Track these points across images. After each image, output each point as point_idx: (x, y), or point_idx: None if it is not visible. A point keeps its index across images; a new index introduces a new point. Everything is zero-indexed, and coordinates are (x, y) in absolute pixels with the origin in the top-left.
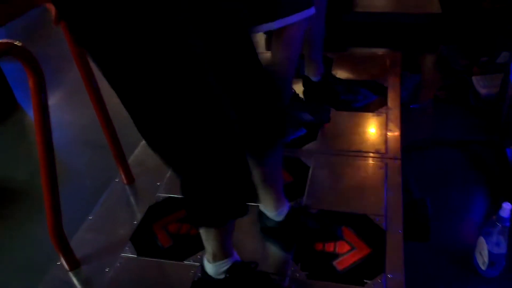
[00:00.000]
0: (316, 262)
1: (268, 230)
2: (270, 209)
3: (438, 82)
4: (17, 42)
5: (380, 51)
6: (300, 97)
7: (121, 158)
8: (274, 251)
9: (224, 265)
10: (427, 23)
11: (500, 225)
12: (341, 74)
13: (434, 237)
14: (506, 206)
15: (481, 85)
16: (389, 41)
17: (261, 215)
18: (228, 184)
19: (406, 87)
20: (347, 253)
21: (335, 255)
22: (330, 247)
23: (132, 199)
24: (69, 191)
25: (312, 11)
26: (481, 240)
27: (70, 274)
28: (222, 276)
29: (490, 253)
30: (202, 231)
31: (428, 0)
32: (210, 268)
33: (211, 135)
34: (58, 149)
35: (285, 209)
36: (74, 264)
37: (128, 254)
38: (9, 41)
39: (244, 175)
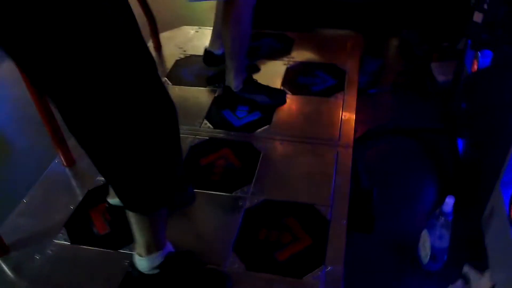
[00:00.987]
0: (257, 252)
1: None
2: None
3: (399, 67)
4: None
5: (342, 33)
6: (254, 79)
7: (60, 138)
8: (213, 239)
9: (158, 259)
10: (390, 4)
11: (443, 219)
12: (301, 55)
13: (380, 228)
14: (449, 200)
15: (439, 72)
16: (353, 23)
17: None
18: (161, 171)
19: (366, 72)
20: (289, 243)
21: (278, 245)
22: (273, 236)
23: (71, 182)
24: (9, 171)
25: None
26: (425, 233)
27: None
28: (156, 271)
29: (432, 246)
30: (135, 222)
31: None
32: (142, 263)
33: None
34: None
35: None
36: (3, 251)
37: (61, 241)
38: None
39: (176, 160)
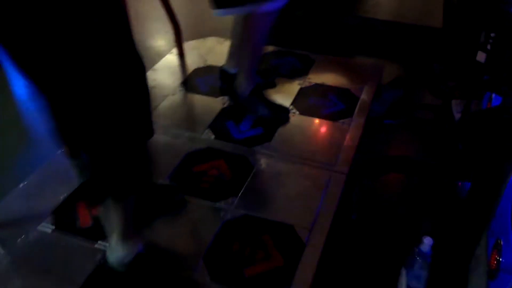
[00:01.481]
0: (226, 265)
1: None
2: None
3: (422, 100)
4: None
5: (364, 60)
6: (262, 92)
7: None
8: (187, 246)
9: (128, 255)
10: (425, 37)
11: (420, 259)
12: (318, 77)
13: (362, 260)
14: (426, 241)
15: (457, 110)
16: (382, 51)
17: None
18: (130, 161)
19: (384, 101)
20: (260, 260)
21: (249, 261)
22: (246, 251)
23: (68, 173)
24: (22, 155)
25: (281, 2)
26: (403, 271)
27: None
28: (124, 268)
29: (408, 286)
30: (111, 210)
31: (432, 13)
32: (114, 255)
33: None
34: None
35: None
36: None
37: (45, 227)
38: None
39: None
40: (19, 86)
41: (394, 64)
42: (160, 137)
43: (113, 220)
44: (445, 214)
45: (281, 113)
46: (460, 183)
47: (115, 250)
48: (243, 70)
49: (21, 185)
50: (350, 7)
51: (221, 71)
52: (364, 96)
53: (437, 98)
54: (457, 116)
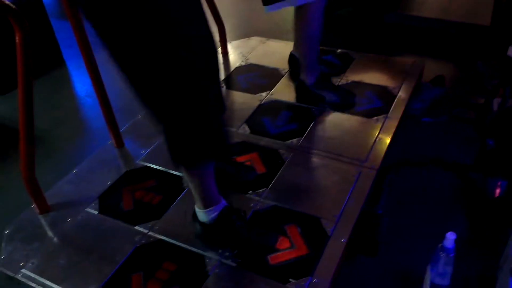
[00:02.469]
0: (252, 251)
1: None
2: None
3: (465, 99)
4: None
5: (404, 58)
6: (328, 77)
7: (113, 124)
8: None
9: (214, 211)
10: (471, 34)
11: (444, 255)
12: (356, 74)
13: (388, 258)
14: (449, 236)
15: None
16: (426, 48)
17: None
18: (206, 129)
19: (423, 99)
20: (285, 249)
21: (274, 249)
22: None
23: (115, 162)
24: (77, 146)
25: None
26: (428, 268)
27: (39, 216)
28: (212, 222)
29: (432, 283)
30: (189, 179)
31: (480, 11)
32: (202, 215)
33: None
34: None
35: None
36: (44, 209)
37: (92, 210)
38: None
39: (219, 123)
40: (79, 83)
41: (437, 62)
42: None
43: (191, 188)
44: (475, 212)
45: (348, 98)
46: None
47: (201, 212)
48: (304, 60)
49: (74, 171)
50: (394, 5)
51: (290, 55)
52: (401, 94)
53: (480, 97)
54: None
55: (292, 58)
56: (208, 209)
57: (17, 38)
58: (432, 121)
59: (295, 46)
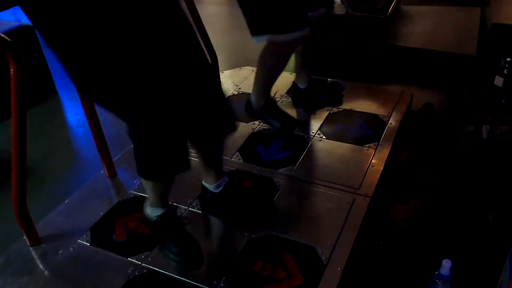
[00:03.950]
0: (247, 282)
1: (208, 202)
2: (210, 182)
3: (454, 127)
4: (2, 34)
5: (394, 87)
6: (275, 104)
7: (105, 154)
8: (210, 263)
9: (159, 211)
10: (458, 64)
11: (440, 283)
12: (347, 103)
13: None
14: (445, 263)
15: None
16: (414, 78)
17: (203, 188)
18: (170, 146)
19: (414, 127)
20: (280, 280)
21: (269, 279)
22: (267, 270)
23: (107, 192)
24: (69, 176)
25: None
26: None
27: (30, 249)
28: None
29: None
30: (146, 183)
31: (466, 41)
32: (148, 209)
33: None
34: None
35: (222, 183)
36: (35, 241)
37: (83, 241)
38: None
39: (182, 141)
40: (71, 113)
41: (425, 90)
42: (190, 160)
43: (148, 192)
44: (468, 239)
45: (290, 125)
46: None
47: (149, 209)
48: (257, 86)
49: (65, 202)
50: (382, 36)
51: (293, 85)
52: (392, 122)
53: (469, 124)
54: None
55: (294, 87)
56: (153, 208)
57: (11, 70)
58: (423, 149)
59: (299, 76)
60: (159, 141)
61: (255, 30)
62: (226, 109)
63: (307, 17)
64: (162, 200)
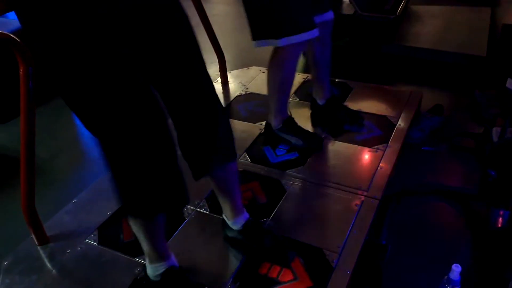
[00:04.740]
0: (254, 285)
1: (227, 238)
2: (228, 217)
3: (463, 128)
4: (11, 34)
5: (403, 87)
6: (295, 122)
7: None
8: (217, 265)
9: (160, 268)
10: (467, 65)
11: (450, 287)
12: (355, 104)
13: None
14: (455, 268)
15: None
16: (423, 78)
17: (223, 222)
18: (155, 180)
19: (423, 128)
20: (287, 282)
21: (276, 282)
22: (274, 272)
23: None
24: (79, 176)
25: (315, 33)
26: None
27: (38, 248)
28: (158, 279)
29: None
30: (135, 230)
31: (476, 42)
32: (148, 268)
33: (144, 135)
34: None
35: (241, 219)
36: (43, 240)
37: (91, 240)
38: (4, 32)
39: (172, 176)
40: None
41: (435, 91)
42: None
43: (141, 241)
44: (479, 243)
45: (315, 143)
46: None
47: (148, 266)
48: (273, 101)
49: (73, 201)
50: (391, 36)
51: (311, 101)
52: (401, 123)
53: (479, 126)
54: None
55: (313, 103)
56: (154, 264)
57: (20, 70)
58: (432, 150)
59: (317, 90)
60: (137, 161)
61: (256, 34)
62: (226, 135)
63: (312, 21)
64: (159, 250)
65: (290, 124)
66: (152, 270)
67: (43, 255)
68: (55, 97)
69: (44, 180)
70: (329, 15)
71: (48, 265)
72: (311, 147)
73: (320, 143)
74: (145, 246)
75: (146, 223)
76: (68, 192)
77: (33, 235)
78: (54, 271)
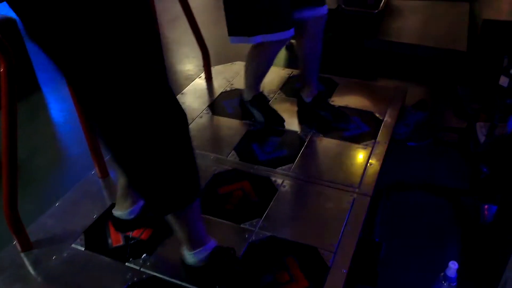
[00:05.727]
0: (251, 286)
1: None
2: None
3: (446, 122)
4: None
5: (387, 83)
6: (265, 99)
7: (97, 153)
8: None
9: (203, 252)
10: (449, 60)
11: (446, 284)
12: (341, 100)
13: (387, 284)
14: (452, 265)
15: (482, 132)
16: (406, 73)
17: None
18: (181, 169)
19: (408, 123)
20: (284, 283)
21: (274, 284)
22: (271, 273)
23: (100, 193)
24: (56, 176)
25: (290, 33)
26: None
27: (21, 255)
28: (202, 264)
29: None
30: (172, 222)
31: (456, 37)
32: (190, 258)
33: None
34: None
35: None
36: (26, 246)
37: (78, 246)
38: None
39: (193, 162)
40: (56, 109)
41: (418, 86)
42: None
43: (178, 231)
44: (471, 238)
45: (275, 121)
46: (485, 207)
47: (190, 254)
48: (246, 81)
49: (56, 204)
50: (374, 31)
51: (298, 97)
52: (387, 119)
53: (462, 120)
54: (482, 138)
55: (301, 101)
56: (196, 250)
57: (2, 69)
58: (417, 145)
59: (304, 88)
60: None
61: (231, 30)
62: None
63: (288, 20)
64: (203, 234)
65: (259, 100)
66: (195, 257)
67: (27, 263)
68: (30, 94)
69: (24, 180)
70: (323, 10)
71: (33, 273)
72: (269, 124)
73: (281, 123)
74: (185, 234)
75: (185, 212)
76: (50, 192)
77: (16, 241)
78: (39, 279)
